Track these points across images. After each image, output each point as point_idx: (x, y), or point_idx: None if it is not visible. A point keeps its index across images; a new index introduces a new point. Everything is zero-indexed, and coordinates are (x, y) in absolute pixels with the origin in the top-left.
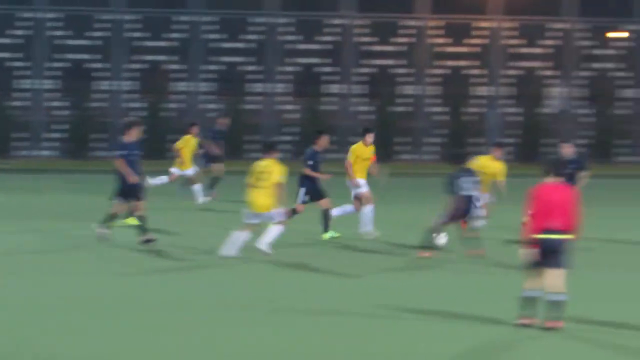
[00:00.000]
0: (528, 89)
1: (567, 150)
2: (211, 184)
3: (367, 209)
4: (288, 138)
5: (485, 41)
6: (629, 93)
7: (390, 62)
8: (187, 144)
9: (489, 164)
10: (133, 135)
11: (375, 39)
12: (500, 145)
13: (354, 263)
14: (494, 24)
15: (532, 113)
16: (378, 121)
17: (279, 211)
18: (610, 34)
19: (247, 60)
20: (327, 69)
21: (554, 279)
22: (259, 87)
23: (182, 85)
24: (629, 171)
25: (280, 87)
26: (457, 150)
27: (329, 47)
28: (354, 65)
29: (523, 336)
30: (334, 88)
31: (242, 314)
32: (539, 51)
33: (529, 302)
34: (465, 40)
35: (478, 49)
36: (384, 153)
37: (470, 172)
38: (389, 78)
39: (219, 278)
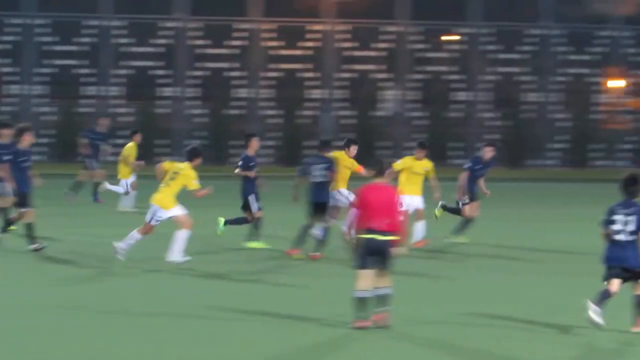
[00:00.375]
0: (362, 91)
1: (489, 154)
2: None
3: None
4: (122, 141)
5: (319, 44)
6: (462, 96)
7: (224, 64)
8: (131, 151)
9: (414, 164)
10: (26, 141)
11: (208, 42)
12: (422, 145)
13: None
14: (328, 27)
15: (366, 116)
16: (212, 124)
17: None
18: (444, 37)
19: (81, 63)
20: (161, 72)
21: (379, 279)
22: (92, 90)
23: (15, 88)
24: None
25: (114, 90)
26: (322, 138)
27: (163, 50)
28: (188, 68)
29: (355, 337)
30: (168, 91)
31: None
32: (373, 54)
33: (361, 303)
34: (299, 43)
35: (312, 52)
36: (217, 156)
37: (322, 160)
38: (222, 81)
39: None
